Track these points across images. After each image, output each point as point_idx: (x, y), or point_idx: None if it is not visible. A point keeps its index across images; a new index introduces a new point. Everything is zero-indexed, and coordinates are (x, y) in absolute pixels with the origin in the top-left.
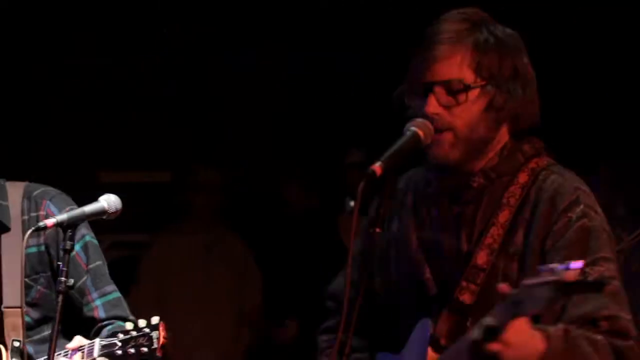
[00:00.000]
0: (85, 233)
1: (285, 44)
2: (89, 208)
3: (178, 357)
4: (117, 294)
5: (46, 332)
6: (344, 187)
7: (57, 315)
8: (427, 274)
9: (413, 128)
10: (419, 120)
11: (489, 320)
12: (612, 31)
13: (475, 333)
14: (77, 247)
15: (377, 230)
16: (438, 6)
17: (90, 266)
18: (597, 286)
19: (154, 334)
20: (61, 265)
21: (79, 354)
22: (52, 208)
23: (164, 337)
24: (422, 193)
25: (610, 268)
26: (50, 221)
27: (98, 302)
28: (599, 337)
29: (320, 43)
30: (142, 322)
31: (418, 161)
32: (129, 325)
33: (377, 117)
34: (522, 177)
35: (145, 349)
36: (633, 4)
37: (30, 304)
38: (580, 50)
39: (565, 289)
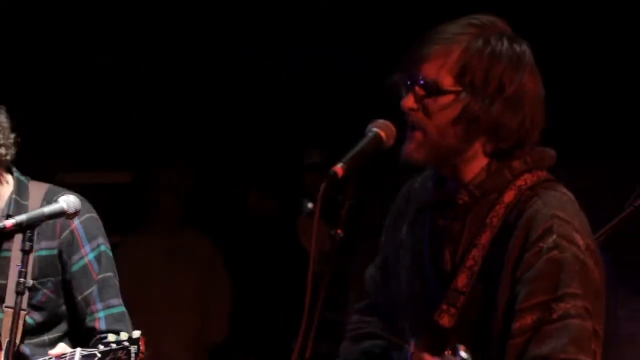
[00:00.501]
0: (101, 242)
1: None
2: (48, 209)
3: None
4: (122, 309)
5: (46, 336)
6: (303, 188)
7: (15, 317)
8: (417, 284)
9: (375, 129)
10: (381, 121)
11: None
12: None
13: None
14: (90, 256)
15: (339, 232)
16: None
17: (100, 276)
18: None
19: (133, 348)
20: (20, 266)
21: None
22: None
23: (142, 352)
24: (420, 203)
25: (577, 305)
26: (9, 222)
27: (101, 314)
28: None
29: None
30: (124, 335)
31: (380, 162)
32: (111, 337)
33: (338, 117)
34: (508, 196)
35: None
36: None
37: (34, 307)
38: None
39: None
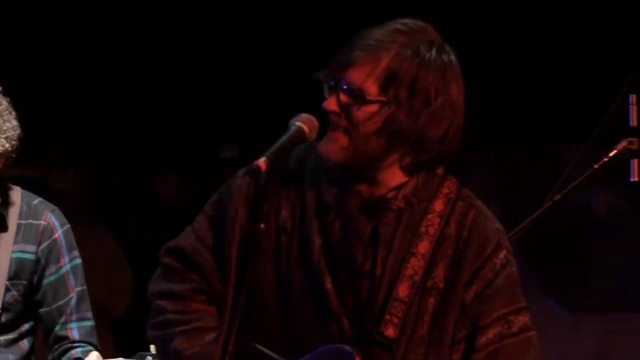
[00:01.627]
0: (77, 255)
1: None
2: None
3: None
4: (92, 322)
5: (2, 337)
6: (219, 182)
7: None
8: (328, 284)
9: (298, 123)
10: (304, 115)
11: None
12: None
13: None
14: (68, 267)
15: (262, 226)
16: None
17: (78, 289)
18: None
19: None
20: None
21: None
22: (54, 220)
23: None
24: (327, 194)
25: (528, 317)
26: None
27: (74, 325)
28: None
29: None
30: (152, 348)
31: None
32: (153, 349)
33: (254, 112)
34: (438, 205)
35: None
36: None
37: (2, 307)
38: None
39: None
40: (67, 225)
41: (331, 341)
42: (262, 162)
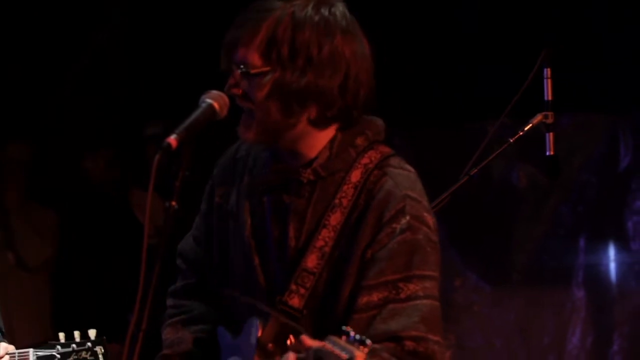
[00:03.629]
0: None
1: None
2: None
3: None
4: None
5: None
6: (144, 160)
7: None
8: (256, 260)
9: (208, 100)
10: (215, 92)
11: None
12: None
13: None
14: None
15: (173, 204)
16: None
17: None
18: None
19: (98, 349)
20: None
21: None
22: None
23: (110, 352)
24: (257, 174)
25: (426, 286)
26: None
27: None
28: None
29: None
30: (76, 334)
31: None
32: (62, 336)
33: (179, 88)
34: (355, 176)
35: None
36: None
37: None
38: None
39: None
40: None
41: (260, 316)
42: (172, 139)
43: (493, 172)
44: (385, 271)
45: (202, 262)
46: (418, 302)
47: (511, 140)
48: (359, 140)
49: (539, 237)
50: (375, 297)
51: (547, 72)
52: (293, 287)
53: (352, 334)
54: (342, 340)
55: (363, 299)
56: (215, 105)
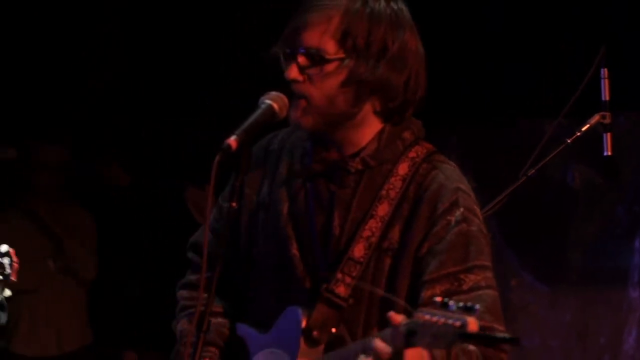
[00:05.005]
0: None
1: None
2: None
3: (22, 335)
4: None
5: None
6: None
7: None
8: (294, 250)
9: (268, 101)
10: (274, 93)
11: (380, 345)
12: None
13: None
14: None
15: (233, 204)
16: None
17: None
18: (502, 340)
19: (5, 260)
20: None
21: None
22: None
23: (16, 263)
24: (297, 163)
25: (487, 276)
26: None
27: None
28: (472, 348)
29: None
30: None
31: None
32: None
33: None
34: (402, 169)
35: None
36: None
37: None
38: None
39: (466, 337)
40: None
41: (301, 305)
42: (232, 140)
43: (548, 172)
44: (445, 264)
45: (219, 255)
46: (481, 292)
47: (569, 141)
48: (407, 134)
49: (595, 237)
50: (437, 290)
51: (604, 72)
52: (339, 275)
53: (451, 303)
54: (439, 311)
55: (427, 293)
56: (275, 106)
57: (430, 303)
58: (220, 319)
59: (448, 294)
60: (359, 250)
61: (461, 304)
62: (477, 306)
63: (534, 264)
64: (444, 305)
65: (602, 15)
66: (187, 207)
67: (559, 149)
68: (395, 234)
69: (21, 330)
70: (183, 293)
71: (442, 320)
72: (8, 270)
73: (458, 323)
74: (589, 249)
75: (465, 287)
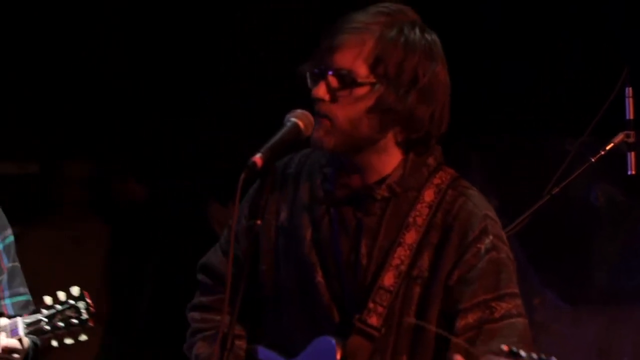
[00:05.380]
0: (9, 233)
1: None
2: None
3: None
4: (28, 297)
5: None
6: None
7: None
8: (319, 277)
9: (293, 119)
10: (299, 111)
11: None
12: None
13: None
14: (0, 246)
15: (258, 222)
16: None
17: (9, 265)
18: None
19: (81, 304)
20: None
21: (2, 334)
22: None
23: (91, 306)
24: (319, 188)
25: (517, 304)
26: None
27: (8, 301)
28: None
29: None
30: (61, 295)
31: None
32: (48, 300)
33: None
34: (428, 195)
35: (75, 320)
36: None
37: None
38: None
39: None
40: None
41: (322, 335)
42: (257, 158)
43: (571, 191)
44: (477, 292)
45: (242, 276)
46: (513, 320)
47: (593, 160)
48: (431, 160)
49: (618, 256)
50: (470, 318)
51: (629, 91)
52: (371, 305)
53: (522, 353)
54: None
55: (461, 322)
56: (300, 124)
57: (499, 352)
58: (238, 342)
59: (481, 323)
60: (389, 279)
61: (535, 356)
62: (553, 358)
63: (557, 283)
64: (514, 354)
65: (628, 33)
66: (211, 224)
67: (583, 167)
68: (424, 262)
69: None
70: (195, 315)
71: None
72: (85, 316)
73: None
74: (612, 268)
75: (497, 315)
